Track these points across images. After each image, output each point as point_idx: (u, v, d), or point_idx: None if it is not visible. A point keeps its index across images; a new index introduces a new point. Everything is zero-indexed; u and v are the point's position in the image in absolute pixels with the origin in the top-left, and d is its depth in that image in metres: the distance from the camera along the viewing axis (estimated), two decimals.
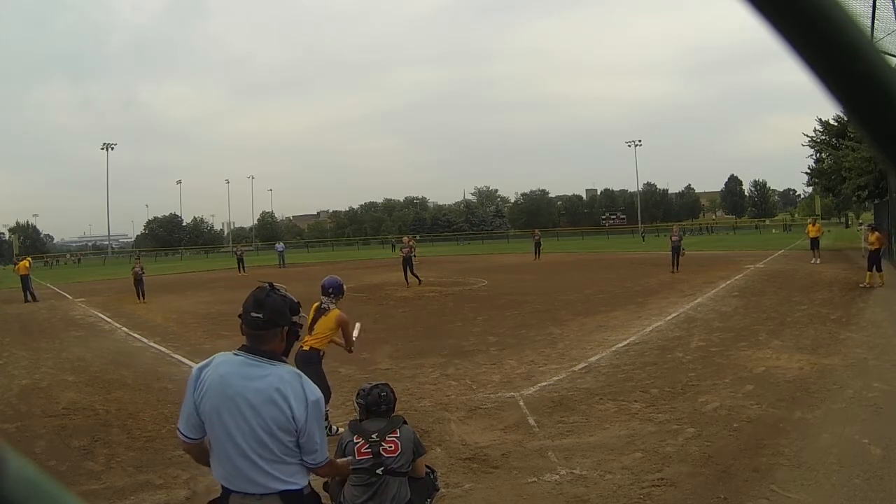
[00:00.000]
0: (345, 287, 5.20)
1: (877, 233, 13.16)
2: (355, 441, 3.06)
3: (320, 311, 4.93)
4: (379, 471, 3.00)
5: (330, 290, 4.98)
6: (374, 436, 3.07)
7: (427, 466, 3.33)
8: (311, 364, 4.58)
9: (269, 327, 2.00)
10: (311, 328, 4.82)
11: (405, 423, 3.18)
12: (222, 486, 2.05)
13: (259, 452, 1.95)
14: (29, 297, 18.15)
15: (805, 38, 0.33)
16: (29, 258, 21.16)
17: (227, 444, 1.97)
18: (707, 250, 28.29)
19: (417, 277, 17.03)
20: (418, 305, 13.19)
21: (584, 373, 6.59)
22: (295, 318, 2.08)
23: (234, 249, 31.51)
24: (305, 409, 1.96)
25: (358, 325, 5.41)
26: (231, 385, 1.96)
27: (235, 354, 2.03)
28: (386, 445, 3.04)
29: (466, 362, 7.29)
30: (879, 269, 12.56)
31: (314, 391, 2.01)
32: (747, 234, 53.15)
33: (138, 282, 16.92)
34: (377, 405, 3.16)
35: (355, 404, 3.24)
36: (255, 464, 1.95)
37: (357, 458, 3.01)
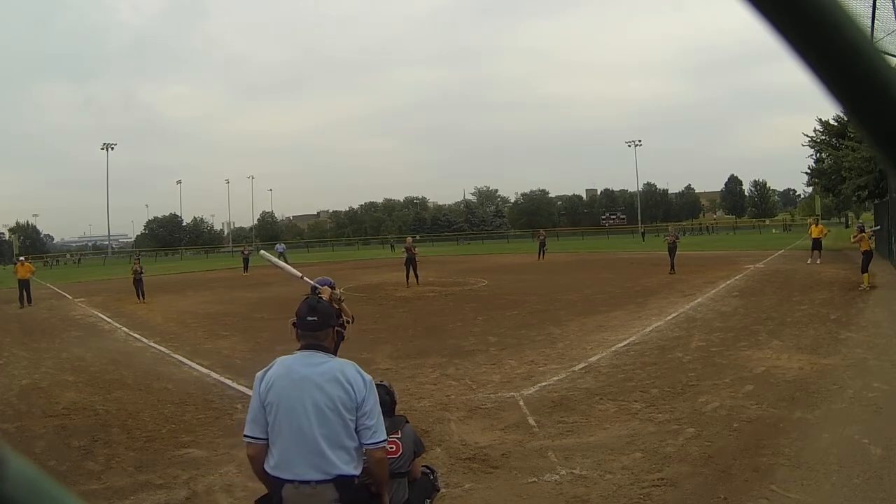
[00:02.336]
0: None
1: (862, 234, 13.14)
2: None
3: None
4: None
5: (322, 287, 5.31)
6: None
7: (427, 467, 3.32)
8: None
9: (323, 327, 2.34)
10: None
11: (407, 422, 3.14)
12: (273, 480, 2.19)
13: (321, 432, 2.15)
14: (25, 302, 16.95)
15: (805, 38, 0.33)
16: (31, 264, 19.16)
17: (289, 428, 2.17)
18: (707, 250, 28.29)
19: (417, 278, 17.13)
20: (418, 305, 13.19)
21: (584, 373, 6.59)
22: (341, 321, 2.50)
23: (242, 250, 30.95)
24: (364, 387, 2.23)
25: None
26: (297, 371, 2.25)
27: (294, 354, 2.34)
28: (388, 447, 3.00)
29: (466, 362, 7.29)
30: (864, 271, 12.50)
31: (368, 375, 2.30)
32: (747, 234, 53.14)
33: (137, 282, 16.83)
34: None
35: None
36: (316, 444, 2.14)
37: None
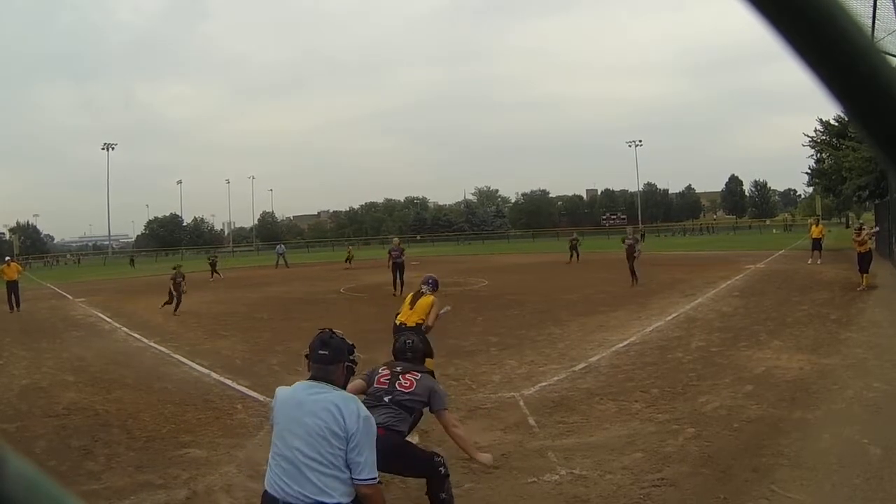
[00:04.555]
0: (439, 284, 6.43)
1: (862, 234, 13.12)
2: (381, 371, 3.45)
3: (418, 295, 6.07)
4: (386, 398, 3.27)
5: (428, 282, 6.19)
6: (398, 368, 3.45)
7: (436, 453, 3.43)
8: (420, 333, 5.59)
9: (333, 362, 2.45)
10: (412, 306, 6.00)
11: (433, 376, 3.34)
12: (264, 496, 2.32)
13: (311, 456, 2.23)
14: (14, 306, 15.62)
15: (805, 38, 0.33)
16: (18, 263, 17.98)
17: (283, 445, 2.29)
18: (707, 250, 28.28)
19: (403, 285, 14.92)
20: None
21: (584, 373, 6.59)
22: (352, 357, 2.52)
23: (209, 256, 28.58)
24: (357, 422, 2.28)
25: (447, 307, 6.48)
26: (297, 396, 2.39)
27: (307, 380, 2.48)
28: (402, 381, 3.36)
29: (466, 362, 7.29)
30: (863, 271, 12.47)
31: (365, 411, 2.37)
32: (747, 234, 53.14)
33: (176, 290, 13.88)
34: (402, 352, 3.58)
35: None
36: (302, 469, 2.23)
37: (375, 385, 3.36)
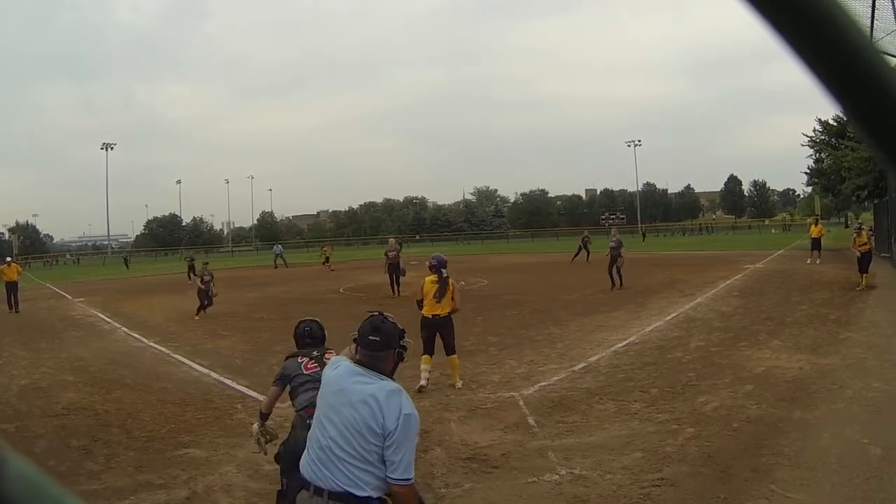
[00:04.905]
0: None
1: (862, 234, 13.13)
2: (300, 360, 3.52)
3: (443, 282, 6.24)
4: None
5: (443, 264, 6.33)
6: (314, 352, 3.57)
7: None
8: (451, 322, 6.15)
9: (384, 348, 2.30)
10: (439, 297, 6.19)
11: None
12: (299, 478, 2.25)
13: (344, 448, 2.14)
14: (13, 307, 15.45)
15: (804, 38, 0.33)
16: (18, 264, 17.74)
17: (319, 431, 2.22)
18: (706, 250, 28.29)
19: (399, 287, 14.76)
20: None
21: (583, 373, 6.60)
22: (402, 342, 2.37)
23: (187, 258, 27.40)
24: (397, 419, 2.14)
25: (461, 282, 6.86)
26: (341, 382, 2.26)
27: (353, 364, 2.33)
28: (326, 359, 3.44)
29: (466, 362, 7.28)
30: (863, 271, 12.46)
31: (410, 407, 2.20)
32: (746, 234, 53.15)
33: (204, 294, 12.84)
34: (303, 338, 3.66)
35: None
36: (335, 455, 2.14)
37: (307, 371, 3.47)
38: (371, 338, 2.29)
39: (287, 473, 3.35)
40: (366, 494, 2.11)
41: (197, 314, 12.54)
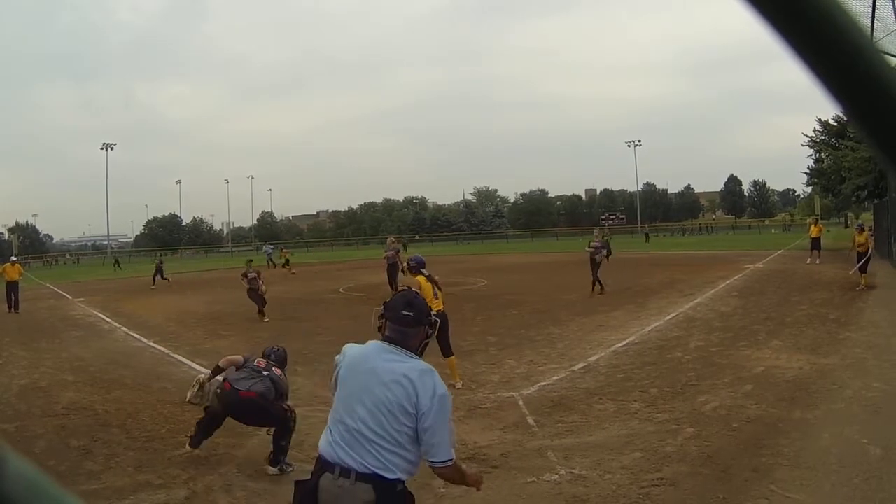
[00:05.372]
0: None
1: (864, 233, 13.13)
2: (258, 362, 4.52)
3: (432, 280, 6.30)
4: (264, 373, 4.43)
5: (423, 265, 6.45)
6: (273, 364, 4.55)
7: (291, 409, 4.42)
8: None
9: (417, 324, 2.22)
10: (435, 293, 6.22)
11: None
12: (318, 460, 2.13)
13: (375, 430, 2.04)
14: (12, 307, 15.36)
15: (805, 38, 0.33)
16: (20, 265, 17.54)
17: (346, 412, 2.10)
18: (706, 250, 28.29)
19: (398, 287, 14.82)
20: None
21: (583, 373, 6.59)
22: (431, 319, 2.30)
23: (157, 259, 25.46)
24: (431, 399, 2.06)
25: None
26: (370, 359, 2.16)
27: (378, 342, 2.23)
28: (275, 370, 4.50)
29: (466, 362, 7.29)
30: (862, 271, 12.47)
31: (443, 388, 2.13)
32: (746, 234, 53.15)
33: (254, 294, 12.41)
34: (274, 354, 4.69)
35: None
36: (364, 437, 2.04)
37: (255, 365, 4.47)
38: (405, 312, 2.20)
39: (203, 419, 4.55)
40: (395, 477, 2.03)
41: (265, 316, 11.73)
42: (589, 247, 13.98)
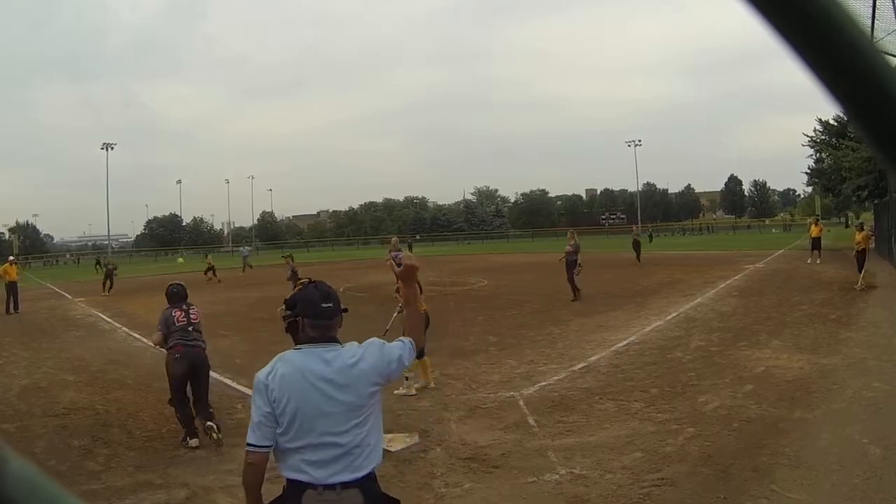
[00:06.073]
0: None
1: (863, 232, 13.12)
2: (173, 313, 5.26)
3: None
4: (189, 328, 5.19)
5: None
6: (182, 305, 5.35)
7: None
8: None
9: (338, 313, 2.11)
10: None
11: None
12: (292, 484, 1.99)
13: (351, 434, 1.99)
14: (12, 308, 15.33)
15: (805, 38, 0.33)
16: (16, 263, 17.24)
17: (315, 432, 1.97)
18: (706, 250, 28.28)
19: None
20: None
21: (583, 372, 6.59)
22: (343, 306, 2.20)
23: (107, 263, 22.80)
24: (388, 365, 2.10)
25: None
26: (313, 372, 2.00)
27: (300, 350, 2.08)
28: (192, 312, 5.35)
29: (466, 362, 7.29)
30: (859, 271, 12.46)
31: (368, 341, 2.16)
32: (746, 233, 53.14)
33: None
34: (172, 296, 5.44)
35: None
36: (344, 447, 1.98)
37: (176, 323, 5.19)
38: (325, 305, 2.07)
39: (177, 404, 5.02)
40: (371, 470, 2.03)
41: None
42: (566, 251, 13.33)
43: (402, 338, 2.25)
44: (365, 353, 2.08)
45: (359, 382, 2.04)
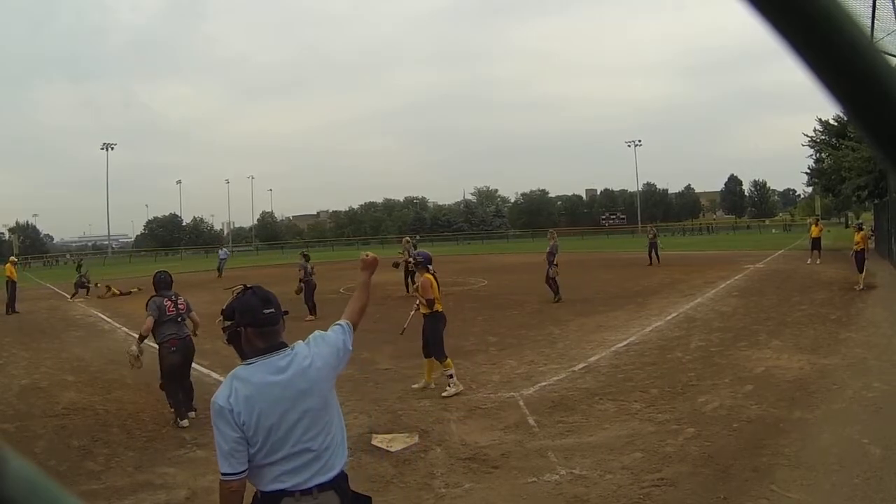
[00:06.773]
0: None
1: (861, 232, 13.12)
2: (164, 303, 5.62)
3: (435, 278, 6.35)
4: (178, 319, 5.69)
5: (430, 262, 6.52)
6: (172, 296, 5.74)
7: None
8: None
9: (280, 317, 2.05)
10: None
11: None
12: (269, 495, 1.94)
13: (320, 438, 1.98)
14: (11, 308, 15.18)
15: (805, 38, 0.33)
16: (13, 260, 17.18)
17: (289, 443, 1.94)
18: (706, 250, 28.28)
19: (408, 287, 14.30)
20: None
21: (583, 373, 6.59)
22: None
23: (81, 272, 19.95)
24: (339, 352, 2.14)
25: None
26: (274, 385, 1.96)
27: (252, 364, 2.01)
28: (179, 303, 5.77)
29: (466, 362, 7.29)
30: (858, 271, 12.44)
31: (311, 336, 2.18)
32: (746, 234, 53.13)
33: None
34: (159, 284, 5.82)
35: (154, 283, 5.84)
36: (316, 452, 1.97)
37: (168, 312, 5.63)
38: (266, 311, 1.99)
39: (169, 390, 5.58)
40: (341, 469, 2.04)
41: (313, 313, 11.66)
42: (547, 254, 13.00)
43: (339, 321, 2.26)
44: (315, 352, 2.08)
45: (318, 383, 2.03)
